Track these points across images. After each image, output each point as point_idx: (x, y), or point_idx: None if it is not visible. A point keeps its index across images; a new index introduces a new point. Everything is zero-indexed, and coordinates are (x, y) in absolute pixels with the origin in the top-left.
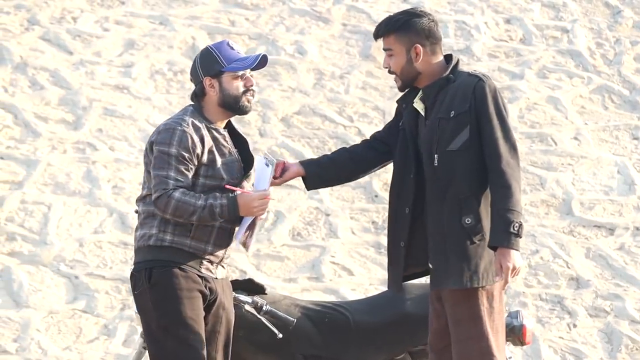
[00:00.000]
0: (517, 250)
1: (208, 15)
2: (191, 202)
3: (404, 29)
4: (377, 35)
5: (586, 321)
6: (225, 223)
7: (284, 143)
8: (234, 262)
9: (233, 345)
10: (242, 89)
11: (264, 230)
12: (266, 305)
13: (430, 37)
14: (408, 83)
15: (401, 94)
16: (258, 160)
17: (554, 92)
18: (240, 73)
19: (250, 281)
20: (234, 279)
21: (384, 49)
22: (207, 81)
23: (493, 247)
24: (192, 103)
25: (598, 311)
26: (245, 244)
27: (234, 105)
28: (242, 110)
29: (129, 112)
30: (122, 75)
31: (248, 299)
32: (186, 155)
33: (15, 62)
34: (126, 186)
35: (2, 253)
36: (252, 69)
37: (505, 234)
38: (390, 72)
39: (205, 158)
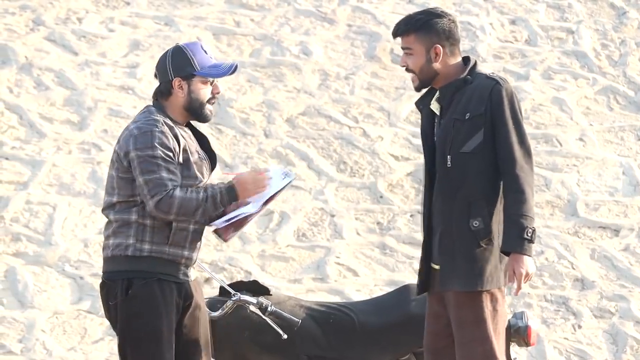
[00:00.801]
0: (529, 256)
1: (213, 16)
2: (193, 197)
3: (425, 29)
4: (397, 33)
5: (591, 322)
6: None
7: (289, 144)
8: (238, 262)
9: (238, 346)
10: (209, 96)
11: (268, 230)
12: (271, 306)
13: (450, 38)
14: (425, 83)
15: (419, 96)
16: (274, 170)
17: (559, 93)
18: (211, 79)
19: (254, 283)
20: (238, 280)
21: (402, 48)
22: (176, 82)
23: (506, 252)
24: (152, 103)
25: (603, 312)
26: (223, 235)
27: (197, 110)
28: (203, 118)
29: (134, 113)
30: (127, 75)
31: (253, 299)
32: (170, 154)
33: (21, 62)
34: None
35: (7, 254)
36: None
37: (518, 240)
38: (408, 70)
39: (181, 157)
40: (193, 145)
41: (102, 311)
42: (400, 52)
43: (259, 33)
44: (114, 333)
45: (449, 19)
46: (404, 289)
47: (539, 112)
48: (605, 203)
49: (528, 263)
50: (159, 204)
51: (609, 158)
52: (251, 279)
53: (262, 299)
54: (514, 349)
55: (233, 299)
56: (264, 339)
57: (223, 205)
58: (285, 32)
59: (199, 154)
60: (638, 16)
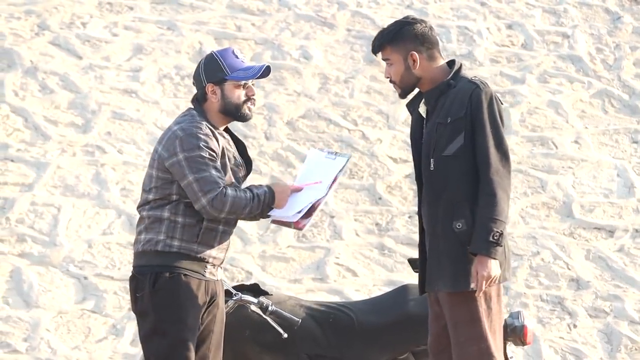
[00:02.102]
0: (495, 259)
1: (215, 21)
2: (242, 196)
3: (398, 39)
4: (375, 50)
5: (586, 322)
6: (250, 218)
7: (289, 146)
8: (239, 263)
9: (239, 345)
10: (243, 98)
11: (269, 231)
12: (271, 305)
13: (425, 42)
14: (407, 90)
15: (410, 99)
16: (315, 152)
17: (555, 97)
18: (243, 82)
19: (255, 286)
20: (239, 283)
21: (383, 59)
22: (209, 87)
23: (473, 253)
24: (193, 107)
25: (598, 312)
26: (295, 225)
27: (234, 113)
28: (242, 118)
29: (137, 116)
30: (130, 79)
31: (254, 299)
32: (214, 155)
33: (26, 66)
34: (134, 188)
35: (12, 254)
36: (255, 79)
37: (484, 243)
38: (390, 81)
39: (219, 161)
40: (231, 150)
41: (105, 310)
42: None
43: (259, 37)
44: (117, 332)
45: (422, 24)
46: (402, 289)
47: (535, 115)
48: (600, 204)
49: (492, 266)
50: (214, 202)
51: (603, 160)
52: (252, 283)
53: (262, 299)
54: (510, 348)
55: (234, 298)
56: (265, 338)
57: (265, 206)
58: (285, 36)
59: (235, 159)
60: (632, 21)
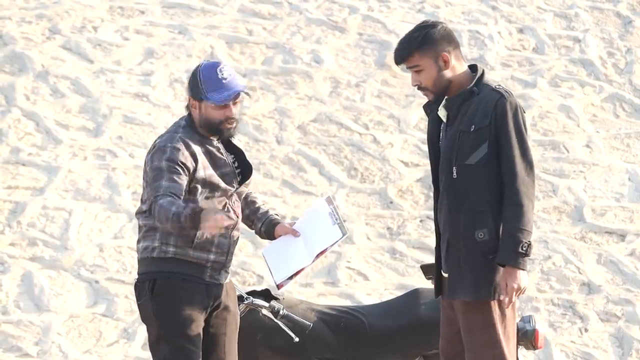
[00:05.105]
0: (524, 270)
1: (226, 25)
2: (169, 209)
3: (426, 43)
4: (401, 59)
5: (597, 326)
6: (223, 237)
7: (300, 150)
8: (251, 267)
9: (250, 349)
10: (220, 119)
11: None
12: (283, 309)
13: (451, 42)
14: (440, 94)
15: (427, 101)
16: (321, 205)
17: (566, 101)
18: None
19: (266, 291)
20: (251, 289)
21: (409, 68)
22: (190, 101)
23: (501, 264)
24: (186, 115)
25: (609, 316)
26: (278, 285)
27: (212, 130)
28: (221, 135)
29: (149, 120)
30: (141, 83)
31: (265, 303)
32: (176, 166)
33: (37, 70)
34: None
35: (23, 258)
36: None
37: (513, 254)
38: (420, 88)
39: (201, 174)
40: (221, 157)
41: (117, 314)
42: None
43: (271, 41)
44: (129, 336)
45: (442, 26)
46: (414, 293)
47: (546, 119)
48: (612, 209)
49: (521, 277)
50: (152, 209)
51: (615, 164)
52: (264, 289)
53: (274, 303)
54: (522, 352)
55: (245, 302)
56: (276, 342)
57: (184, 227)
58: (296, 40)
59: (228, 165)
60: None
